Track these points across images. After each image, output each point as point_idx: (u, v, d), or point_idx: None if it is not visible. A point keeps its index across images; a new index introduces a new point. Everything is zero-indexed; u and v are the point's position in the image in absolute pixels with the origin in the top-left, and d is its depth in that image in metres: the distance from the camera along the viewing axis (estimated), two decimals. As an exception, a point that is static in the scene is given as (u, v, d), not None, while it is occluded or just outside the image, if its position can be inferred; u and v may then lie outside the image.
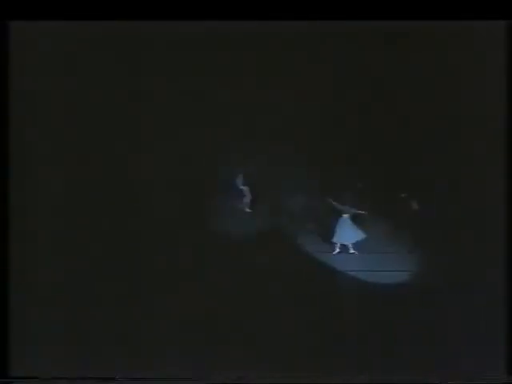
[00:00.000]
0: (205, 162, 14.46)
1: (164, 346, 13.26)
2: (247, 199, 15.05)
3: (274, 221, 14.71)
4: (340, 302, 13.59)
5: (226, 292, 13.55)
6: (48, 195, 13.79)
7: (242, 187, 15.01)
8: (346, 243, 14.64)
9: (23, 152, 13.67)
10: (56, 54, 13.94)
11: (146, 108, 14.16)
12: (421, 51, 13.80)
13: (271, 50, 14.09)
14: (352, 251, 14.61)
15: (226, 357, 12.96)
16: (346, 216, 14.58)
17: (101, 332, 13.38)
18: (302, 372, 12.67)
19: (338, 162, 14.52)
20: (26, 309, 13.35)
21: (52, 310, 13.48)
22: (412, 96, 13.88)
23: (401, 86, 13.91)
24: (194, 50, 14.10)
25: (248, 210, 15.03)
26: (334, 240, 14.62)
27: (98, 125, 14.02)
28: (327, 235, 14.59)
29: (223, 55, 14.14)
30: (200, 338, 13.27)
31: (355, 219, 14.53)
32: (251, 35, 13.79)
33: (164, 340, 13.33)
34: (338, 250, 14.64)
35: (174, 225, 14.11)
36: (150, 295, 13.62)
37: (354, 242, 14.61)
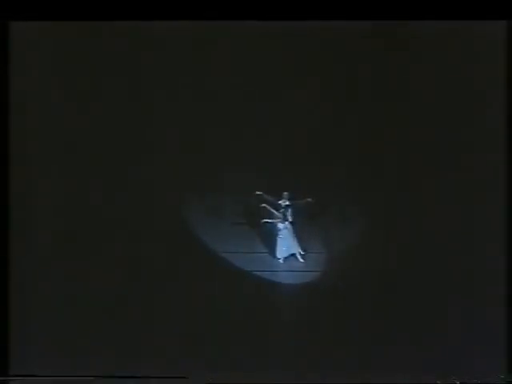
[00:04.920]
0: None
1: (163, 346, 13.29)
2: None
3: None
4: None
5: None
6: (48, 195, 13.80)
7: None
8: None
9: (23, 152, 13.68)
10: (56, 54, 13.92)
11: (149, 109, 14.12)
12: (420, 51, 13.77)
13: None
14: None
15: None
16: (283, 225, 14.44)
17: (101, 332, 13.41)
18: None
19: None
20: (26, 309, 13.39)
21: (52, 309, 13.50)
22: (411, 96, 13.86)
23: (400, 86, 13.89)
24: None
25: None
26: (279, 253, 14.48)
27: (99, 125, 14.00)
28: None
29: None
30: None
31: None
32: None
33: (163, 339, 13.37)
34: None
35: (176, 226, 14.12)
36: (152, 295, 13.64)
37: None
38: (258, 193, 14.17)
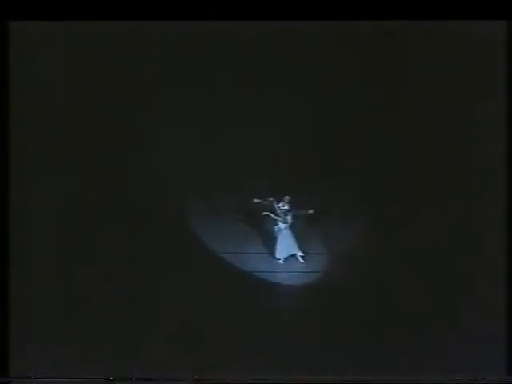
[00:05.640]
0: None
1: (163, 346, 13.31)
2: None
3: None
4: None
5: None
6: (49, 197, 13.80)
7: None
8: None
9: (23, 153, 13.68)
10: (56, 54, 13.91)
11: (149, 109, 14.08)
12: (420, 51, 13.75)
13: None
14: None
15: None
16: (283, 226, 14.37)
17: (101, 332, 13.42)
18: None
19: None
20: (26, 309, 13.41)
21: (52, 310, 13.52)
22: (411, 96, 13.84)
23: (399, 86, 13.87)
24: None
25: None
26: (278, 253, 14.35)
27: (99, 125, 13.98)
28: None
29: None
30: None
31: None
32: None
33: (163, 340, 13.38)
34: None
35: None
36: (152, 296, 13.64)
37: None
38: (257, 200, 14.13)
